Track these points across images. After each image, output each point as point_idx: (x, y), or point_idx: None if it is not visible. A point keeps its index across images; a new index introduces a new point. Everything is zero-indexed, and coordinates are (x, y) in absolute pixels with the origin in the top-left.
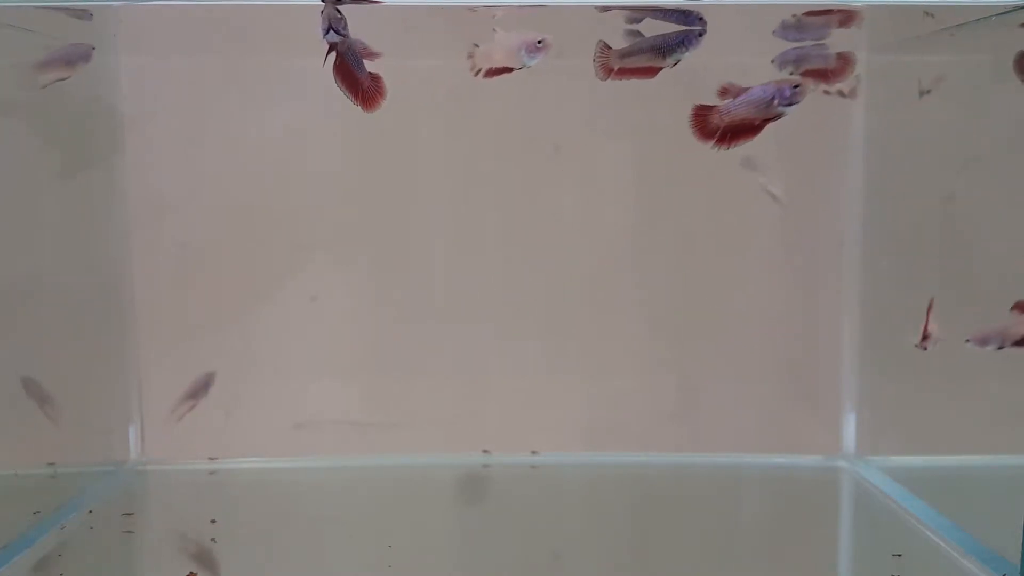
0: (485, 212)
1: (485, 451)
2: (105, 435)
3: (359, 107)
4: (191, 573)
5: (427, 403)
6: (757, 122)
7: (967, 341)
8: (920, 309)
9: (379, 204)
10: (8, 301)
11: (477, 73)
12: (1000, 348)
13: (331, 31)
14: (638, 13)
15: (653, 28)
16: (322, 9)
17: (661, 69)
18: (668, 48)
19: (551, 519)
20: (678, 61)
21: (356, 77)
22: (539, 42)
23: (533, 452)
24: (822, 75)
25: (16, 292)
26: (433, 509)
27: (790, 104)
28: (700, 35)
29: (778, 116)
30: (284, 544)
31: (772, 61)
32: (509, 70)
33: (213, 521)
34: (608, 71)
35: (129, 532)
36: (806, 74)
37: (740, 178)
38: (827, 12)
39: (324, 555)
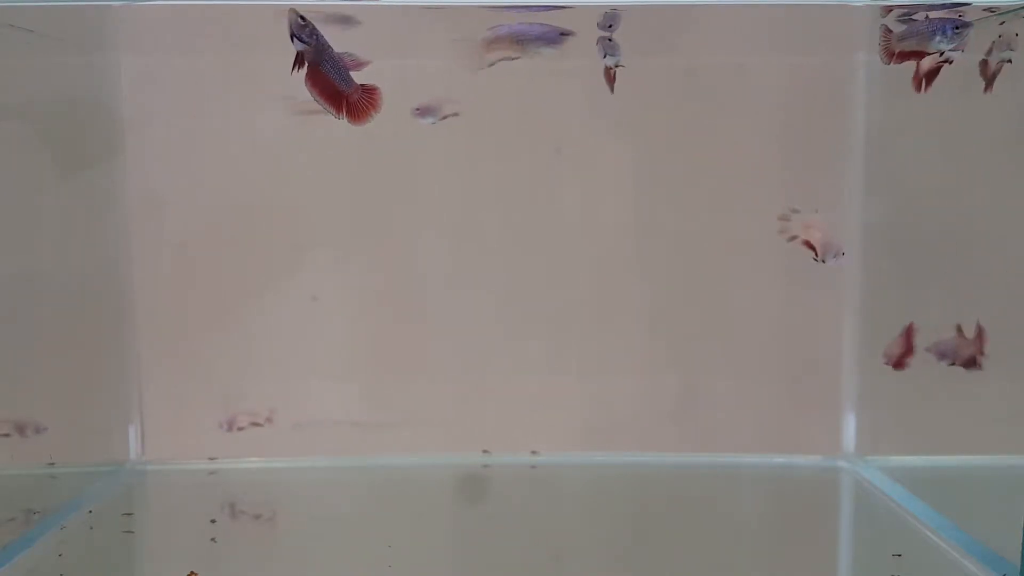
0: (485, 212)
1: (485, 451)
2: (105, 435)
3: (343, 120)
4: (191, 573)
5: (427, 403)
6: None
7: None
8: (919, 310)
9: (379, 203)
10: (8, 301)
11: (791, 239)
12: (952, 364)
13: (295, 39)
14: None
15: None
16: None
17: (929, 55)
18: (931, 33)
19: (551, 519)
20: (942, 51)
21: (337, 89)
22: None
23: (533, 452)
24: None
25: (16, 292)
26: (433, 509)
27: None
28: (956, 28)
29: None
30: (284, 544)
31: None
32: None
33: (213, 521)
34: (891, 54)
35: (129, 532)
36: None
37: (740, 178)
38: None
39: (324, 555)
